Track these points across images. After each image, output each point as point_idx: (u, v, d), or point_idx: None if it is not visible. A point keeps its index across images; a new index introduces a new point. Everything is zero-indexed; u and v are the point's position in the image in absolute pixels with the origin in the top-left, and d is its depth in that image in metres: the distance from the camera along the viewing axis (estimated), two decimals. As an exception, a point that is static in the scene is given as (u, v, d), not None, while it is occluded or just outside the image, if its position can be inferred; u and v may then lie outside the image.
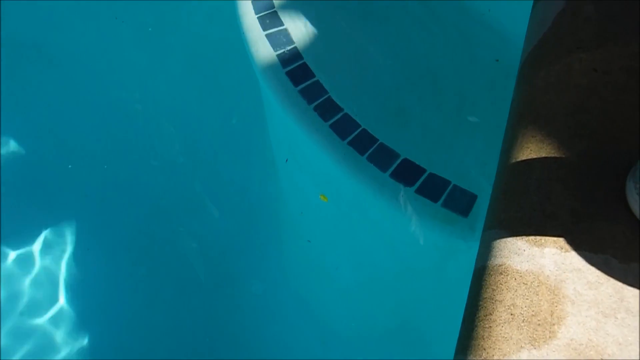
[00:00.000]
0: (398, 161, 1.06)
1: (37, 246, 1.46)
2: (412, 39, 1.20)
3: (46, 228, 1.50)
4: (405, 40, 1.20)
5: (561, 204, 0.48)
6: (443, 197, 0.97)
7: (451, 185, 0.96)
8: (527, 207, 0.48)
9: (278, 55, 1.18)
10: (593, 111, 0.52)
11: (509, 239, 0.48)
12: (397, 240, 1.09)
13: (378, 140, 1.09)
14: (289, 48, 1.18)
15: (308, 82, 1.16)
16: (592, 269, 0.45)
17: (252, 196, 1.55)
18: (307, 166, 1.26)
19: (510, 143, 0.54)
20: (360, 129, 1.11)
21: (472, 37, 1.14)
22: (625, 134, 0.50)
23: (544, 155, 0.51)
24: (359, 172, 1.07)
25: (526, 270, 0.46)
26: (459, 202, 0.94)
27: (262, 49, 1.20)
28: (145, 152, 1.66)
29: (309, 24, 1.22)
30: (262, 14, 1.24)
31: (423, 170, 1.01)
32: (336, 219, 1.22)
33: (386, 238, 1.12)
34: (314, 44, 1.19)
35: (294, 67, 1.17)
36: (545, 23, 0.60)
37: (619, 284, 0.44)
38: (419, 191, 1.01)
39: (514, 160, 0.52)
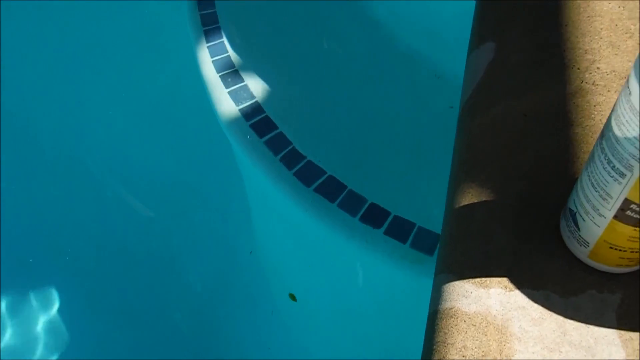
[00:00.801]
0: (366, 205, 1.09)
1: (7, 304, 1.45)
2: (369, 90, 1.25)
3: (19, 286, 1.50)
4: (363, 90, 1.25)
5: (502, 245, 0.50)
6: (410, 239, 1.00)
7: (416, 227, 0.99)
8: (471, 250, 0.51)
9: (241, 110, 1.22)
10: (525, 154, 0.56)
11: (457, 282, 0.50)
12: (370, 282, 1.11)
13: (347, 186, 1.13)
14: (250, 102, 1.22)
15: (272, 134, 1.19)
16: (535, 306, 0.47)
17: (228, 247, 1.56)
18: (279, 215, 1.28)
19: (453, 189, 0.57)
20: (327, 175, 1.14)
21: (427, 87, 1.20)
22: (555, 174, 0.53)
23: (484, 199, 0.54)
24: (329, 218, 1.09)
25: (474, 312, 0.48)
26: (425, 242, 0.97)
27: (226, 105, 1.24)
28: (119, 209, 1.67)
29: (268, 79, 1.26)
30: (223, 72, 1.28)
31: (388, 213, 1.04)
32: (311, 266, 1.24)
33: (359, 280, 1.14)
34: (274, 97, 1.23)
35: (257, 120, 1.21)
36: (478, 72, 0.65)
37: (561, 318, 0.46)
38: (388, 233, 1.04)
39: (457, 206, 0.55)
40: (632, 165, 0.37)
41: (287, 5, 1.43)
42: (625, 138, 0.36)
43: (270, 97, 1.22)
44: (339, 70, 1.28)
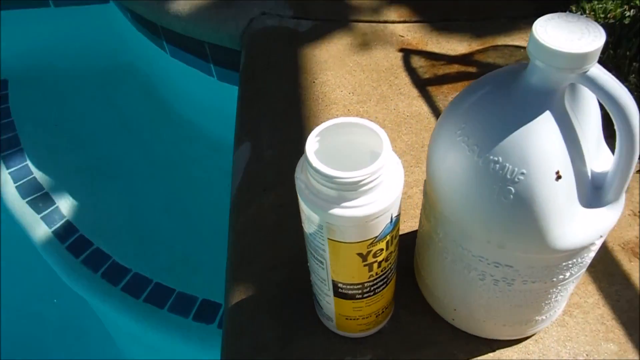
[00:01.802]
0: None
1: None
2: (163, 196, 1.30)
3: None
4: (154, 196, 1.29)
5: (270, 334, 0.54)
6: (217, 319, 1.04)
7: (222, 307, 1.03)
8: (244, 346, 0.54)
9: (54, 232, 1.18)
10: (285, 243, 0.61)
11: (235, 381, 0.53)
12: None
13: (175, 290, 1.13)
14: (63, 223, 1.19)
15: (89, 251, 1.16)
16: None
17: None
18: (118, 331, 1.23)
19: (227, 287, 0.60)
20: (154, 283, 1.14)
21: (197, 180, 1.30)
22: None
23: (251, 293, 0.58)
24: (161, 324, 1.09)
25: (252, 407, 0.51)
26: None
27: (39, 231, 1.19)
28: None
29: (78, 198, 1.25)
30: (31, 197, 1.24)
31: (196, 298, 1.07)
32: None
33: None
34: (88, 214, 1.21)
35: (73, 240, 1.17)
36: (239, 172, 0.70)
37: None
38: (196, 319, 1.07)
39: (230, 304, 0.58)
40: (323, 254, 0.43)
41: (88, 119, 1.44)
42: (309, 234, 0.42)
43: (83, 215, 1.20)
44: (146, 176, 1.32)
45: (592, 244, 0.40)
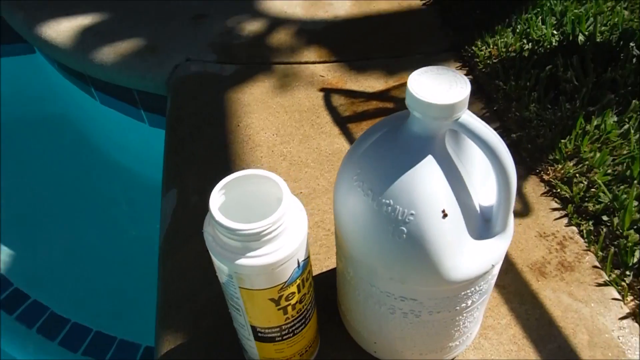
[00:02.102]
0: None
1: None
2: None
3: None
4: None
5: (199, 382, 0.55)
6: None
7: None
8: (173, 397, 0.54)
9: (-14, 291, 1.14)
10: (211, 289, 0.62)
11: None
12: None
13: (116, 338, 1.11)
14: (-6, 281, 1.15)
15: (25, 305, 1.13)
16: None
17: None
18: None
19: (158, 333, 0.60)
20: (94, 332, 1.11)
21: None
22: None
23: (180, 341, 0.58)
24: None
25: None
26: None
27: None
28: None
29: (14, 250, 1.21)
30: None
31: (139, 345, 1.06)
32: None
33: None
34: (23, 266, 1.18)
35: (6, 295, 1.13)
36: (167, 218, 0.71)
37: None
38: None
39: (162, 351, 0.58)
40: (238, 302, 0.44)
41: (21, 170, 1.41)
42: (223, 283, 0.44)
43: (17, 266, 1.16)
44: (83, 224, 1.29)
45: (486, 272, 0.43)
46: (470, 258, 0.41)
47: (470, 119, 0.38)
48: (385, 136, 0.42)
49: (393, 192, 0.39)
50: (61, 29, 1.09)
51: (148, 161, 1.23)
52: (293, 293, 0.43)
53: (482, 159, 0.43)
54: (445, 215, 0.39)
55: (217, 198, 0.41)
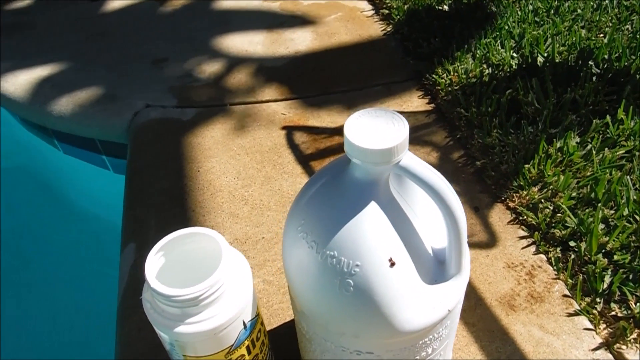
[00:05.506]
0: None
1: None
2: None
3: None
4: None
5: None
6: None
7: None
8: None
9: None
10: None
11: None
12: None
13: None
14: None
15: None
16: None
17: None
18: None
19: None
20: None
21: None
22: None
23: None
24: None
25: None
26: None
27: None
28: None
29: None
30: None
31: None
32: None
33: None
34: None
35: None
36: (124, 276, 0.68)
37: None
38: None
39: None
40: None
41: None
42: (168, 351, 0.41)
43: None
44: (53, 277, 1.26)
45: (444, 318, 0.41)
46: (425, 305, 0.39)
47: (411, 161, 0.36)
48: (328, 183, 0.40)
49: (337, 243, 0.37)
50: (19, 82, 1.07)
51: (115, 208, 1.20)
52: (243, 355, 0.41)
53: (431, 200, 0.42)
54: (392, 264, 0.37)
55: (153, 262, 0.38)
